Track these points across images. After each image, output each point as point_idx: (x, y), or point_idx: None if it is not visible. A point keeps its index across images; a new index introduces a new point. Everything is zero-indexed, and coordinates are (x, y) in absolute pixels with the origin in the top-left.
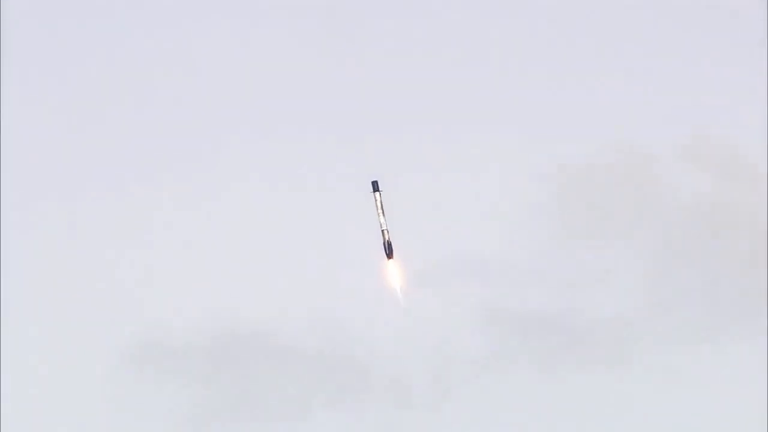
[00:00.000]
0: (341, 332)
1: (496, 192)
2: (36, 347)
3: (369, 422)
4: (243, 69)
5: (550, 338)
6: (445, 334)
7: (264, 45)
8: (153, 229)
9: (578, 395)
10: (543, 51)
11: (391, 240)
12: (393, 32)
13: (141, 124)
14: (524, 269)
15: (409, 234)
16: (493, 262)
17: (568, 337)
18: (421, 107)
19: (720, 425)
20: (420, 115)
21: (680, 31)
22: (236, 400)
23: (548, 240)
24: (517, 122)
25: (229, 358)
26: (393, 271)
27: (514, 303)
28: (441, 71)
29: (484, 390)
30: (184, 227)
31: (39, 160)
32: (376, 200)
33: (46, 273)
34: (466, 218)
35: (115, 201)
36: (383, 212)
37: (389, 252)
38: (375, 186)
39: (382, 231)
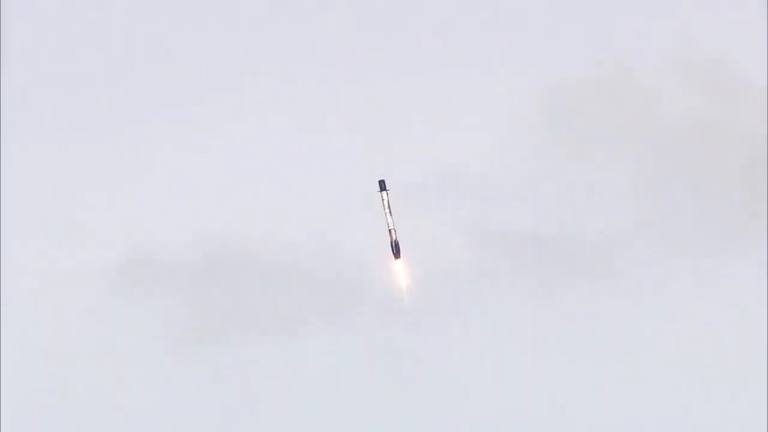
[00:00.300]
0: (333, 251)
1: (486, 110)
2: (30, 263)
3: (360, 340)
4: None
5: (541, 254)
6: (435, 252)
7: None
8: (149, 152)
9: (569, 311)
10: None
11: (398, 240)
12: None
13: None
14: (514, 187)
15: (400, 154)
16: (482, 180)
17: (558, 253)
18: (413, 23)
19: (713, 338)
20: (413, 31)
21: None
22: (228, 317)
23: (538, 157)
24: (506, 41)
25: (220, 275)
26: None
27: (504, 220)
28: None
29: (475, 307)
30: (181, 152)
31: (41, 91)
32: (383, 200)
33: (44, 194)
34: (455, 136)
35: (112, 124)
36: (390, 211)
37: (396, 252)
38: (382, 185)
39: (390, 231)
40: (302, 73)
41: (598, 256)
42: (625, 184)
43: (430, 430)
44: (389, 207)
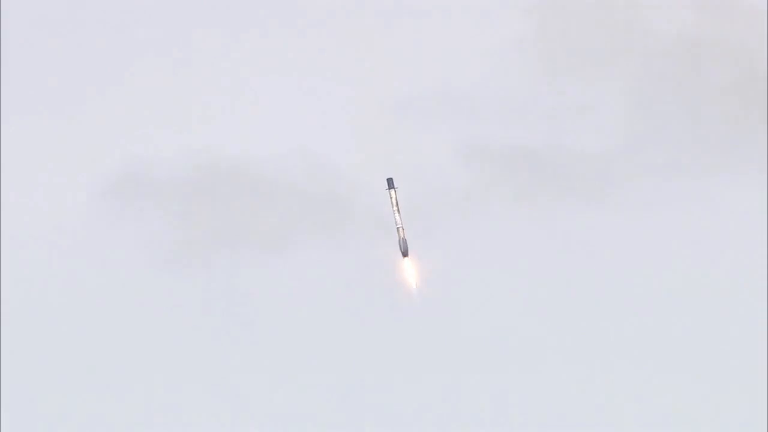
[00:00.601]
0: (322, 167)
1: (477, 27)
2: (20, 178)
3: (349, 255)
4: None
5: (531, 171)
6: (425, 167)
7: None
8: (137, 65)
9: (558, 228)
10: None
11: (406, 237)
12: None
13: None
14: (505, 103)
15: (392, 70)
16: (474, 97)
17: (549, 170)
18: None
19: (706, 257)
20: None
21: None
22: (217, 232)
23: (529, 74)
24: None
25: (210, 190)
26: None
27: (495, 136)
28: None
29: (465, 222)
30: (168, 65)
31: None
32: (391, 197)
33: (39, 106)
34: (447, 53)
35: (101, 40)
36: (399, 209)
37: (404, 251)
38: (390, 183)
39: (398, 229)
40: None
41: (587, 173)
42: (617, 101)
43: (417, 348)
44: (397, 205)
